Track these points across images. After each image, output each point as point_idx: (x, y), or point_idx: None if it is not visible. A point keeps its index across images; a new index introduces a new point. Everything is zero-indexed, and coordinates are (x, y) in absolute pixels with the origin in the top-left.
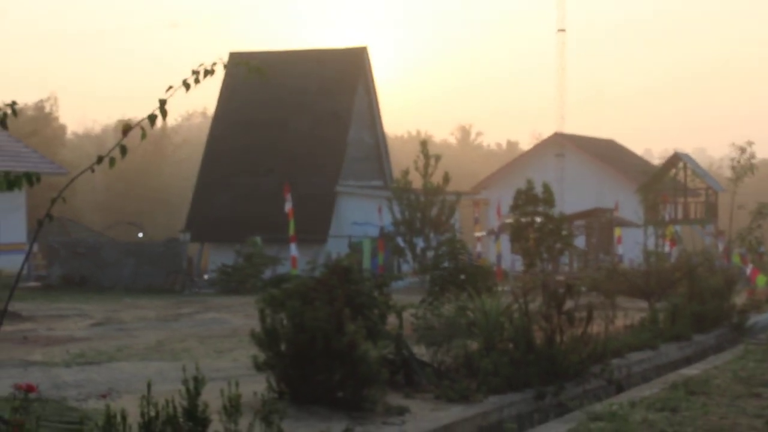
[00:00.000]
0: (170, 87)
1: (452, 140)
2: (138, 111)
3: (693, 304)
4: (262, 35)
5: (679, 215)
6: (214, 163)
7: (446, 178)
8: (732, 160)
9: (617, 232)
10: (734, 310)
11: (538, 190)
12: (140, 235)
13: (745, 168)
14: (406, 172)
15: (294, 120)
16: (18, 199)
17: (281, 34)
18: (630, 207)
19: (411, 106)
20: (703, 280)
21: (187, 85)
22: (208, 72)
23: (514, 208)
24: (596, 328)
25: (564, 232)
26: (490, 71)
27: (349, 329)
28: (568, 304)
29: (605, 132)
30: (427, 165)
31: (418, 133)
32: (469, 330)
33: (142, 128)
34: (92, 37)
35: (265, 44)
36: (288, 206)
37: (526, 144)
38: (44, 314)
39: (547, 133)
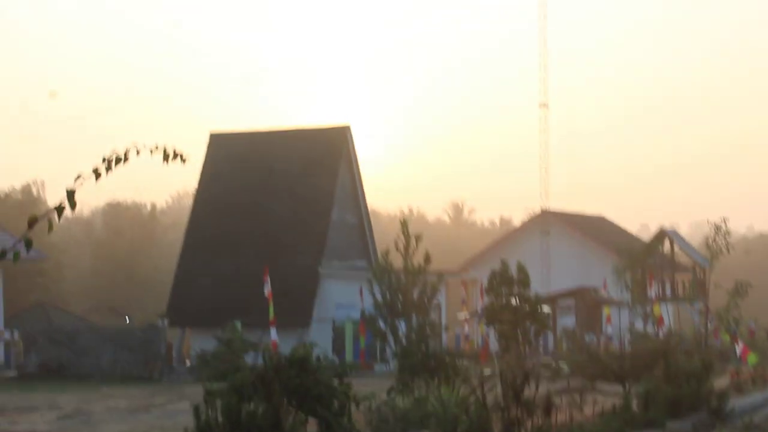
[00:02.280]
0: (79, 176)
1: (445, 218)
2: (126, 192)
3: (668, 388)
4: (245, 113)
5: (667, 293)
6: (195, 247)
7: (427, 259)
8: (706, 238)
9: (606, 311)
10: (713, 394)
11: (525, 267)
12: (127, 320)
13: (720, 246)
14: (386, 253)
15: (276, 201)
16: None
17: (265, 112)
18: (619, 285)
19: (404, 183)
20: (679, 362)
21: (97, 174)
22: (120, 160)
23: (489, 290)
24: (563, 416)
25: (540, 314)
26: (483, 146)
27: (286, 425)
28: (533, 391)
29: (603, 208)
30: (408, 245)
31: (411, 211)
32: (423, 423)
33: (50, 220)
34: (74, 117)
35: (247, 122)
36: (267, 289)
37: (519, 220)
38: (13, 406)
39: (539, 209)
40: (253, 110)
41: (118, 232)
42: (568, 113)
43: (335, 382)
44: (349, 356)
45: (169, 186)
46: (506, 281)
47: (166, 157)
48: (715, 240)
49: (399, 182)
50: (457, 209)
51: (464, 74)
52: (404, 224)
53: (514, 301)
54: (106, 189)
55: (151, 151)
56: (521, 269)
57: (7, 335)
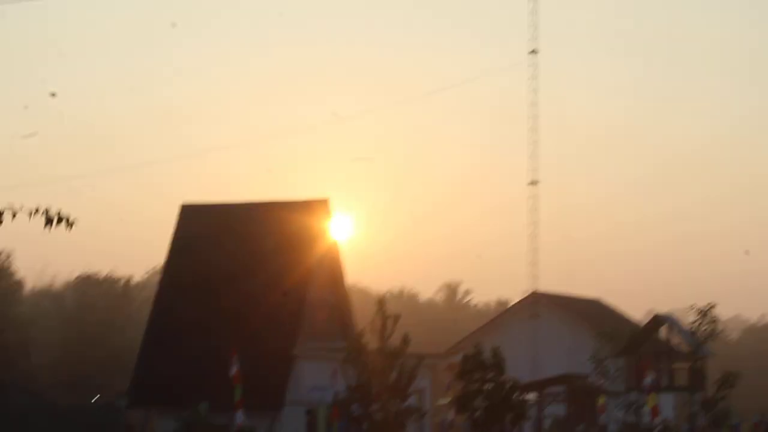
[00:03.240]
0: None
1: (438, 299)
2: (100, 264)
3: None
4: (222, 182)
5: (664, 382)
6: (162, 324)
7: (405, 340)
8: (692, 324)
9: (601, 400)
10: None
11: (500, 352)
12: (95, 399)
13: (707, 332)
14: (360, 334)
15: (249, 277)
16: None
17: (242, 184)
18: (596, 372)
19: (397, 263)
20: None
21: None
22: None
23: (461, 375)
24: None
25: (517, 400)
26: (478, 226)
27: None
28: None
29: (606, 292)
30: (384, 326)
31: (401, 291)
32: None
33: None
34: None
35: (221, 194)
36: (234, 370)
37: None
38: None
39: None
40: (229, 181)
41: (89, 306)
42: (565, 189)
43: None
44: None
45: (146, 259)
46: (479, 366)
47: (49, 222)
48: (699, 326)
49: (392, 262)
50: (451, 290)
51: (457, 148)
52: (381, 304)
53: (487, 387)
54: (78, 261)
55: (31, 215)
56: (496, 353)
57: None
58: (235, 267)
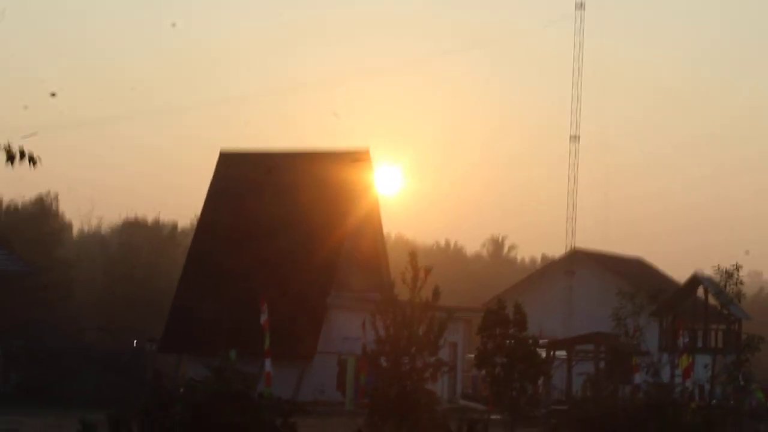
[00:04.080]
0: None
1: (484, 253)
2: (146, 208)
3: None
4: (261, 131)
5: (699, 344)
6: (196, 271)
7: (436, 293)
8: (722, 285)
9: (635, 360)
10: None
11: (522, 307)
12: (135, 343)
13: (731, 295)
14: (391, 285)
15: (285, 225)
16: None
17: (283, 132)
18: (649, 332)
19: (444, 216)
20: (675, 419)
21: None
22: None
23: (482, 330)
24: None
25: (537, 358)
26: (526, 181)
27: None
28: None
29: (658, 252)
30: (416, 278)
31: (447, 244)
32: None
33: None
34: (99, 125)
35: (262, 142)
36: (264, 318)
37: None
38: None
39: (584, 247)
40: (270, 129)
41: (134, 250)
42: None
43: (278, 421)
44: (349, 393)
45: (190, 207)
46: (501, 321)
47: (10, 158)
48: (725, 287)
49: (439, 215)
50: (497, 245)
51: (502, 102)
52: (412, 256)
53: (508, 344)
54: (125, 206)
55: None
56: (518, 309)
57: None
58: (271, 216)
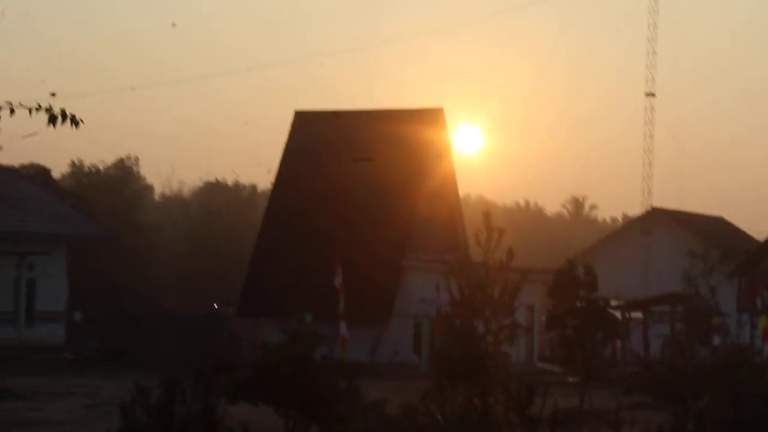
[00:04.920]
0: None
1: (565, 213)
2: (224, 171)
3: (728, 410)
4: (337, 92)
5: None
6: (272, 234)
7: (510, 254)
8: None
9: (714, 320)
10: None
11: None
12: (215, 306)
13: None
14: (466, 246)
15: (359, 186)
16: (58, 264)
17: (359, 91)
18: (727, 293)
19: (524, 176)
20: (751, 381)
21: None
22: None
23: (552, 291)
24: None
25: (609, 319)
26: (604, 140)
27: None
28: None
29: (737, 211)
30: (489, 239)
31: (527, 204)
32: None
33: None
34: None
35: (338, 102)
36: (338, 281)
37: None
38: (50, 391)
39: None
40: (346, 89)
41: (214, 213)
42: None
43: (341, 384)
44: (425, 356)
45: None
46: (571, 283)
47: (52, 119)
48: None
49: (519, 175)
50: (578, 204)
51: (574, 63)
52: (486, 216)
53: (579, 305)
54: (205, 169)
55: (31, 111)
56: (588, 270)
57: (77, 316)
58: (347, 176)
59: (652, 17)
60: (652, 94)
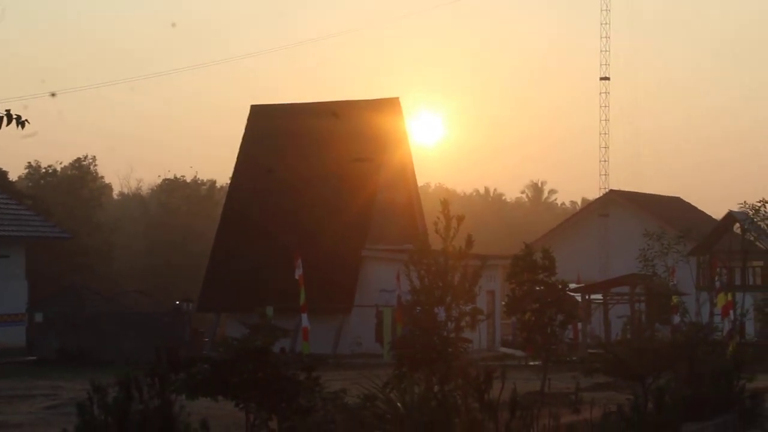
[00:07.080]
0: None
1: (524, 199)
2: (183, 168)
3: (687, 387)
4: (290, 86)
5: (737, 282)
6: (231, 228)
7: (469, 241)
8: (743, 222)
9: (674, 300)
10: (744, 394)
11: (550, 252)
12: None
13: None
14: (425, 235)
15: (318, 178)
16: (16, 266)
17: (313, 84)
18: (685, 272)
19: (484, 164)
20: (707, 358)
21: None
22: None
23: (511, 276)
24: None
25: (567, 302)
26: (562, 124)
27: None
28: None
29: (697, 191)
30: (448, 227)
31: (487, 191)
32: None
33: None
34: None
35: (291, 96)
36: (298, 273)
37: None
38: (10, 393)
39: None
40: (300, 83)
41: (173, 210)
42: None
43: (301, 376)
44: (386, 345)
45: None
46: (529, 267)
47: None
48: (752, 223)
49: (478, 163)
50: (537, 190)
51: (530, 49)
52: (445, 204)
53: (537, 289)
54: (164, 166)
55: None
56: (546, 254)
57: (38, 318)
58: (303, 169)
59: (604, 2)
60: (607, 78)
